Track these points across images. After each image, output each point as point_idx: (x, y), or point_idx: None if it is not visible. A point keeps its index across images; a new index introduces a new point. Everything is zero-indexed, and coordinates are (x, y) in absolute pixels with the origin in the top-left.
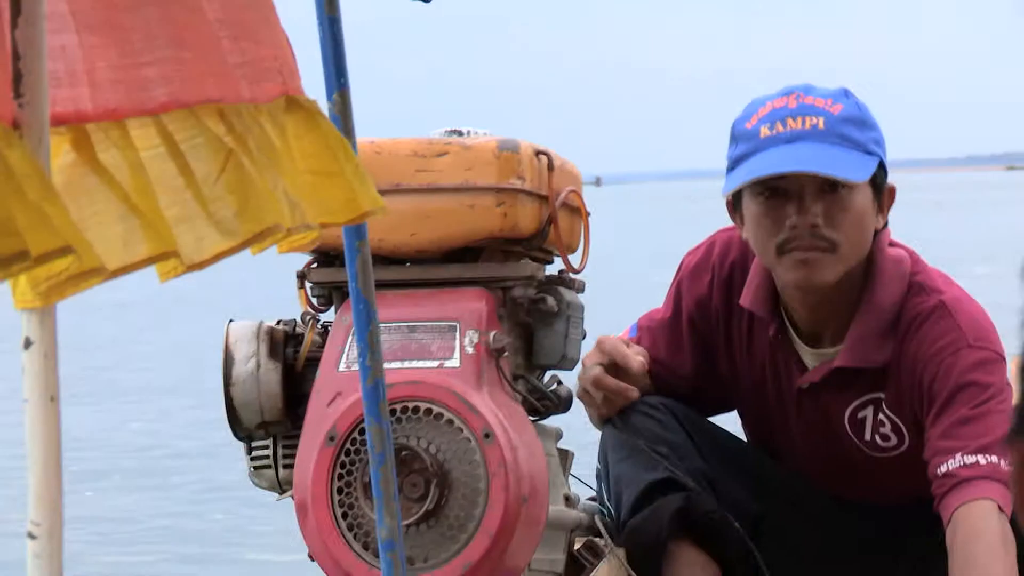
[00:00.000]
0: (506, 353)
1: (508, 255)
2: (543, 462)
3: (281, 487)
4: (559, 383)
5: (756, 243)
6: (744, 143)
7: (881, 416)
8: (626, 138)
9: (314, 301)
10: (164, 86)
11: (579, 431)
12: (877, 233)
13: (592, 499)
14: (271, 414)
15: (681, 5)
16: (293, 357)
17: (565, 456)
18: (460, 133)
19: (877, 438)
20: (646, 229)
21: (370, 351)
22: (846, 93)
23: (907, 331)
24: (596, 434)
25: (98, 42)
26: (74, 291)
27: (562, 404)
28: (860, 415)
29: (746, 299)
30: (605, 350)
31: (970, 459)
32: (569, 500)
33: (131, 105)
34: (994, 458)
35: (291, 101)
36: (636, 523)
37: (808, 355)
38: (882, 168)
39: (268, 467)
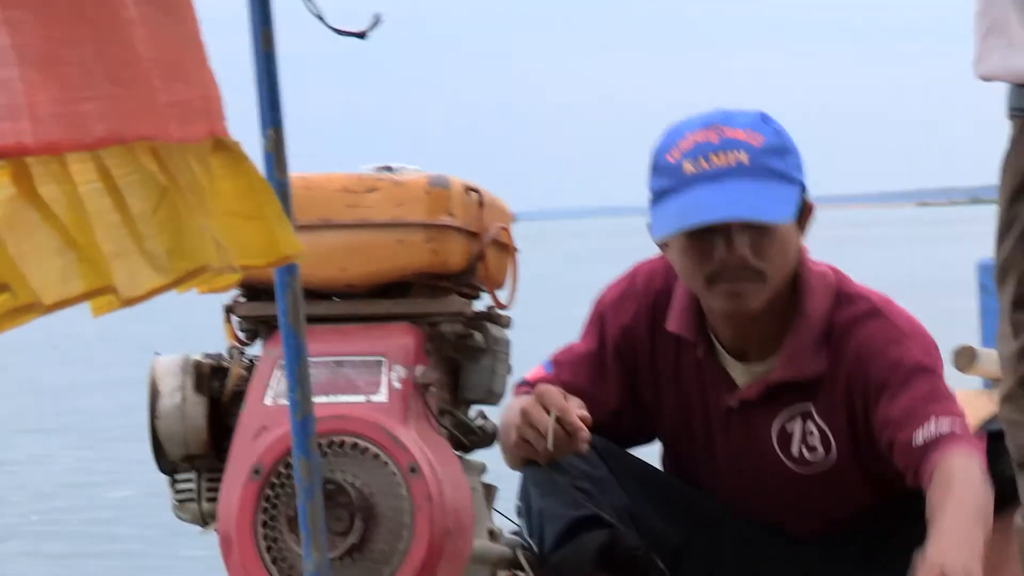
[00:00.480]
0: (432, 388)
1: (436, 291)
2: (468, 496)
3: (204, 520)
4: (484, 418)
5: (684, 273)
6: (668, 177)
7: (810, 425)
8: (538, 174)
9: (240, 335)
10: (102, 121)
11: (503, 466)
12: (800, 260)
13: (515, 533)
14: (196, 447)
15: (595, 41)
16: (219, 391)
17: (489, 490)
18: (390, 169)
19: (804, 451)
20: (563, 265)
21: (299, 386)
22: (764, 119)
23: (842, 337)
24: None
25: (39, 77)
26: (11, 326)
27: (487, 439)
28: (788, 429)
29: (673, 323)
30: (548, 403)
31: (944, 424)
32: (493, 534)
33: (71, 139)
34: (964, 425)
35: (218, 143)
36: (559, 559)
37: (739, 371)
38: (803, 189)
39: (192, 500)
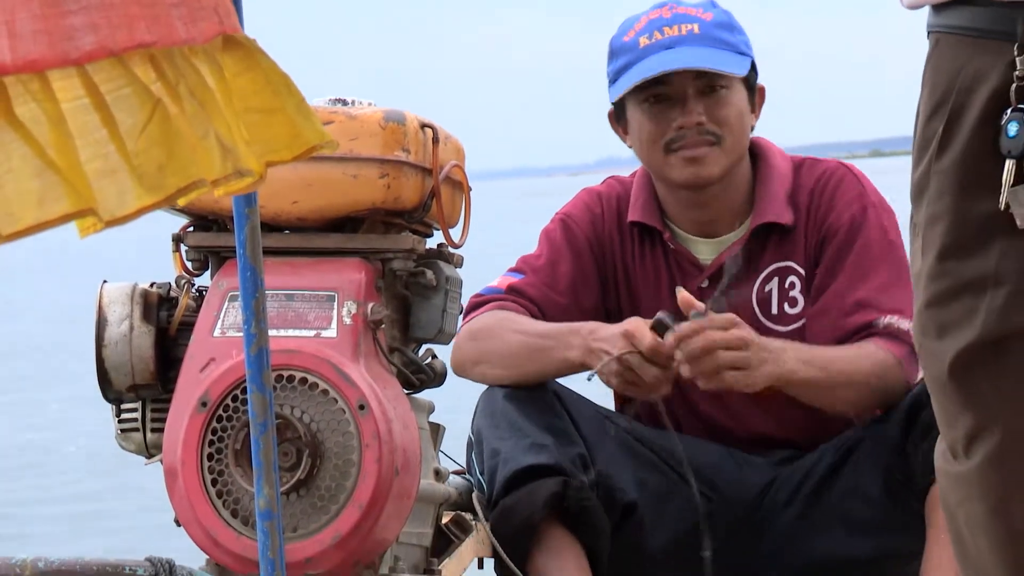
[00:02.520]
0: (383, 325)
1: (389, 227)
2: (416, 435)
3: (149, 451)
4: (434, 356)
5: (643, 147)
6: (624, 55)
7: (791, 279)
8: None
9: (189, 265)
10: (91, 34)
11: (449, 407)
12: (752, 130)
13: (458, 472)
14: (142, 377)
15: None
16: (167, 321)
17: (436, 430)
18: (345, 103)
19: (786, 306)
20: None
21: (255, 319)
22: (713, 3)
23: (813, 188)
24: (466, 411)
25: None
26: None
27: (437, 378)
28: (767, 288)
29: (634, 214)
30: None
31: (890, 320)
32: (439, 474)
33: (54, 56)
34: (908, 324)
35: (228, 40)
36: (510, 502)
37: (707, 248)
38: (753, 69)
39: (136, 430)
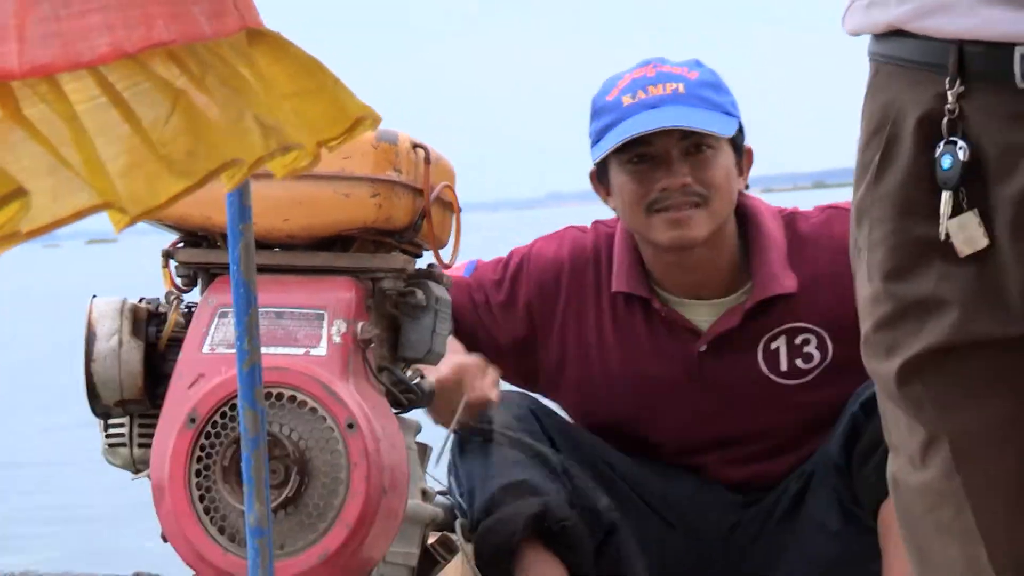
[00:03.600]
0: (372, 344)
1: (379, 246)
2: (404, 455)
3: (135, 466)
4: (422, 376)
5: (626, 209)
6: (608, 115)
7: (803, 336)
8: None
9: (178, 281)
10: (106, 35)
11: (437, 427)
12: (741, 194)
13: (442, 493)
14: (130, 392)
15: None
16: (156, 336)
17: (423, 450)
18: None
19: (799, 361)
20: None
21: (248, 335)
22: (698, 63)
23: (813, 244)
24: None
25: None
26: (11, 244)
27: (425, 398)
28: (773, 346)
29: (619, 284)
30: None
31: None
32: (426, 494)
33: (65, 59)
34: None
35: (253, 33)
36: (490, 523)
37: (700, 311)
38: (740, 131)
39: (123, 445)
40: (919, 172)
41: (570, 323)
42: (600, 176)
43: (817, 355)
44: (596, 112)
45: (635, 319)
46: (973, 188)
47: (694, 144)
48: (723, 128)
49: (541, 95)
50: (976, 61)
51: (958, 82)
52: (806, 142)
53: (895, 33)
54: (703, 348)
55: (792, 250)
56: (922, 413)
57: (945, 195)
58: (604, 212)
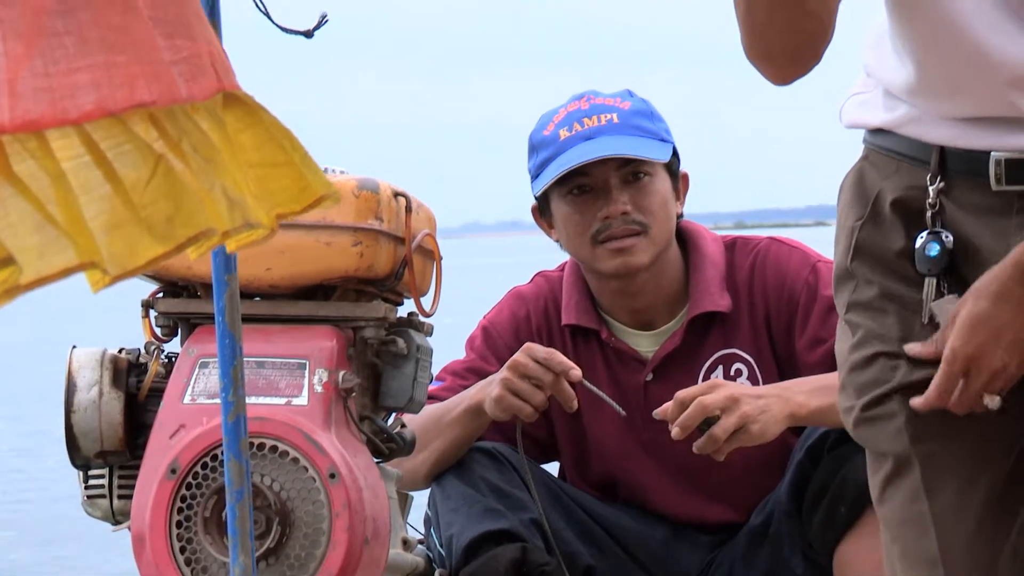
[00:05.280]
0: (354, 393)
1: (360, 295)
2: (386, 504)
3: (115, 517)
4: (403, 425)
5: (570, 240)
6: (545, 149)
7: (737, 366)
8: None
9: (158, 331)
10: (93, 92)
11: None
12: (679, 219)
13: (420, 542)
14: (111, 443)
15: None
16: (136, 387)
17: (404, 499)
18: None
19: None
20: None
21: (233, 387)
22: (630, 93)
23: (751, 268)
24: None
25: (24, 51)
26: (7, 301)
27: (406, 447)
28: (712, 375)
29: (568, 316)
30: (534, 354)
31: None
32: (407, 544)
33: (52, 116)
34: None
35: (229, 96)
36: (470, 571)
37: (646, 341)
38: (675, 156)
39: (103, 496)
40: (899, 248)
41: None
42: (542, 210)
43: (749, 387)
44: (534, 147)
45: (592, 353)
46: (951, 274)
47: (631, 172)
48: (658, 154)
49: (461, 126)
50: (955, 161)
51: (939, 179)
52: (728, 183)
53: (885, 130)
54: (649, 377)
55: (729, 273)
56: (895, 440)
57: (930, 281)
58: (520, 242)
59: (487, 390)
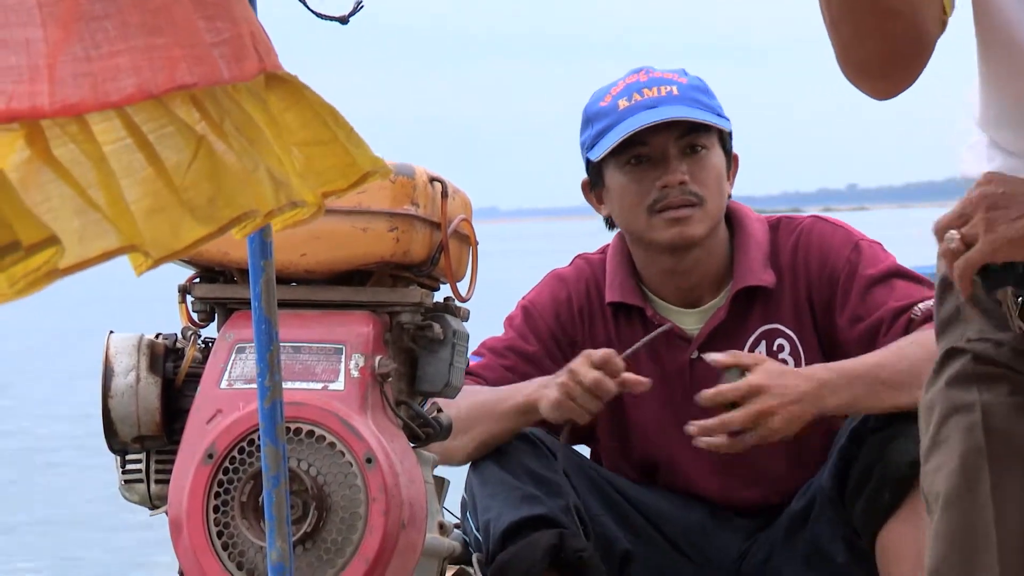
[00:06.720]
0: (390, 378)
1: (397, 280)
2: (423, 489)
3: (152, 502)
4: (439, 410)
5: (624, 211)
6: (603, 119)
7: (779, 341)
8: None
9: (194, 316)
10: (133, 76)
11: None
12: (728, 197)
13: (456, 527)
14: (148, 428)
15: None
16: (173, 372)
17: (441, 484)
18: None
19: None
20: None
21: (270, 371)
22: (685, 72)
23: (794, 246)
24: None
25: (63, 35)
26: (47, 283)
27: (443, 432)
28: (756, 351)
29: (613, 294)
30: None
31: (923, 306)
32: (443, 528)
33: (94, 99)
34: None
35: (271, 77)
36: (507, 556)
37: (691, 319)
38: (729, 135)
39: (140, 481)
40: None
41: (588, 344)
42: (593, 184)
43: (791, 362)
44: (590, 118)
45: (635, 331)
46: None
47: (689, 144)
48: (720, 123)
49: (442, 120)
50: None
51: None
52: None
53: None
54: (694, 355)
55: (773, 251)
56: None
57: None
58: (495, 232)
59: (543, 391)
